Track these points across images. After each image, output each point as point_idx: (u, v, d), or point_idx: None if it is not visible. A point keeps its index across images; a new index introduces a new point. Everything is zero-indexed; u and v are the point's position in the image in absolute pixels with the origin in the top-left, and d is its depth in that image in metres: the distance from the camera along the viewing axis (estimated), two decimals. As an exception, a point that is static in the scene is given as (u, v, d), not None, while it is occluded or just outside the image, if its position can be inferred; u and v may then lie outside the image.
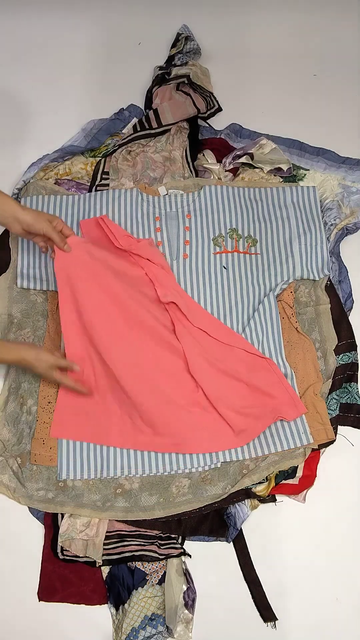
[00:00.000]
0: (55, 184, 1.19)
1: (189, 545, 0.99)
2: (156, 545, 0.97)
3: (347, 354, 1.09)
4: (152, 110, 1.24)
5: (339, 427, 1.05)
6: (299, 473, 1.01)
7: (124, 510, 0.97)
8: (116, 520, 0.98)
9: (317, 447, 1.01)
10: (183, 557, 0.97)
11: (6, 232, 1.16)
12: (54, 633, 0.95)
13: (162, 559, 0.96)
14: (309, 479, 1.01)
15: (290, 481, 1.01)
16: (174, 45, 1.33)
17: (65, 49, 1.37)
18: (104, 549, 0.96)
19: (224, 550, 0.99)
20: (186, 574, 0.96)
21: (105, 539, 0.96)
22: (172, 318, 1.03)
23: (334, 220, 1.17)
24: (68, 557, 0.96)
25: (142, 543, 0.97)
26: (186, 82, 1.25)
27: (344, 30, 1.41)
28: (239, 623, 0.96)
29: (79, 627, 0.95)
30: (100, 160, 1.21)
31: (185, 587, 0.94)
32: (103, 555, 0.96)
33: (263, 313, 1.07)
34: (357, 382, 1.08)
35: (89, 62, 1.36)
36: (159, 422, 0.98)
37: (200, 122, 1.28)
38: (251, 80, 1.35)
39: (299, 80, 1.36)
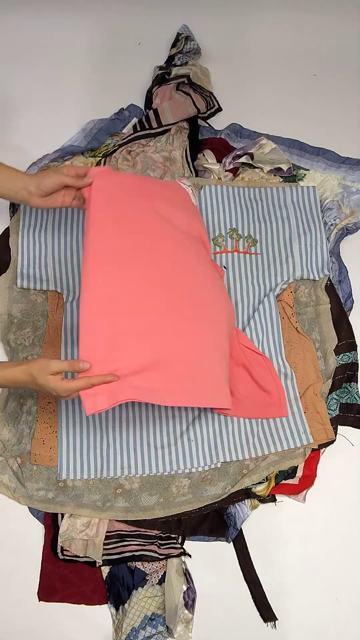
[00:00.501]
0: (55, 184, 1.19)
1: (189, 545, 0.99)
2: (156, 545, 0.97)
3: (347, 354, 1.09)
4: (152, 110, 1.24)
5: (339, 427, 1.05)
6: (299, 473, 1.01)
7: (124, 510, 0.97)
8: (116, 520, 0.98)
9: (317, 447, 1.01)
10: (183, 557, 0.97)
11: (6, 232, 1.16)
12: (54, 633, 0.95)
13: (162, 559, 0.96)
14: (309, 479, 1.01)
15: (290, 481, 1.01)
16: (174, 45, 1.33)
17: (65, 49, 1.37)
18: (104, 549, 0.96)
19: (224, 550, 0.99)
20: (186, 574, 0.96)
21: (105, 539, 0.96)
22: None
23: (334, 220, 1.17)
24: (68, 557, 0.96)
25: (142, 543, 0.97)
26: (186, 82, 1.25)
27: (344, 30, 1.41)
28: (239, 623, 0.96)
29: (79, 627, 0.95)
30: (100, 160, 1.21)
31: (185, 587, 0.94)
32: (103, 555, 0.96)
33: (263, 313, 1.07)
34: (357, 382, 1.08)
35: (89, 62, 1.36)
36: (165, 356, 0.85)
37: (200, 122, 1.28)
38: (251, 80, 1.35)
39: (299, 80, 1.36)
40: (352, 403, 1.06)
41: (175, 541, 0.98)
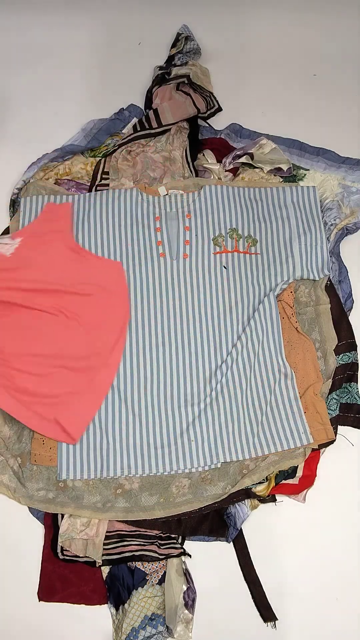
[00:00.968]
0: (55, 184, 1.19)
1: (189, 545, 0.99)
2: (156, 545, 0.97)
3: (347, 354, 1.09)
4: (152, 110, 1.24)
5: (339, 427, 1.05)
6: (299, 473, 1.01)
7: (124, 511, 0.97)
8: (116, 520, 0.98)
9: (317, 447, 1.01)
10: (183, 557, 0.97)
11: (6, 232, 1.16)
12: (54, 633, 0.95)
13: (162, 559, 0.96)
14: (309, 479, 1.01)
15: (290, 481, 1.01)
16: (174, 45, 1.33)
17: (65, 48, 1.37)
18: (104, 549, 0.96)
19: (224, 550, 0.99)
20: (186, 574, 0.96)
21: (105, 539, 0.97)
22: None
23: (334, 220, 1.17)
24: (68, 557, 0.96)
25: (142, 543, 0.97)
26: (186, 82, 1.25)
27: (344, 30, 1.41)
28: (239, 623, 0.96)
29: (79, 627, 0.95)
30: (100, 160, 1.21)
31: (185, 587, 0.94)
32: (103, 555, 0.96)
33: (263, 313, 1.07)
34: (357, 382, 1.08)
35: (89, 62, 1.36)
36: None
37: (200, 122, 1.28)
38: (251, 81, 1.35)
39: (299, 80, 1.36)
40: (352, 403, 1.06)
41: (175, 541, 0.98)
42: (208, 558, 0.98)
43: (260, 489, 1.00)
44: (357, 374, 1.08)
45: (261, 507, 1.01)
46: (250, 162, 1.21)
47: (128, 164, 1.21)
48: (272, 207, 1.16)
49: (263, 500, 1.00)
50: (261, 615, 0.95)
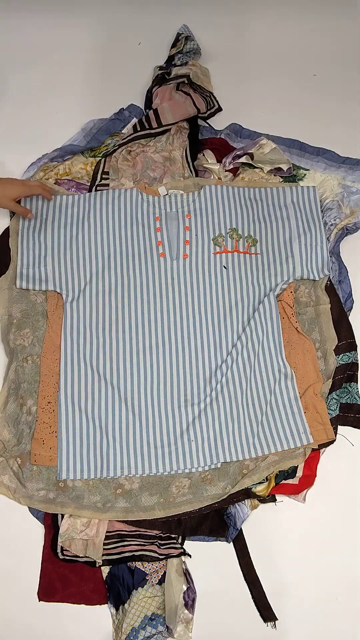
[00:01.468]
0: (55, 184, 1.19)
1: (189, 545, 0.99)
2: (156, 545, 0.97)
3: (347, 354, 1.09)
4: (152, 110, 1.24)
5: (339, 427, 1.05)
6: (299, 473, 1.01)
7: (124, 511, 0.97)
8: (116, 520, 0.98)
9: (317, 447, 1.01)
10: (183, 557, 0.97)
11: (6, 232, 1.16)
12: (54, 633, 0.95)
13: (162, 559, 0.96)
14: (309, 479, 1.01)
15: (290, 481, 1.01)
16: (174, 45, 1.33)
17: (65, 49, 1.37)
18: (104, 548, 0.96)
19: (224, 550, 0.99)
20: (186, 574, 0.96)
21: (105, 539, 0.97)
22: None
23: (334, 220, 1.17)
24: (68, 557, 0.96)
25: (142, 543, 0.97)
26: (186, 82, 1.25)
27: (344, 30, 1.41)
28: (239, 623, 0.96)
29: (79, 627, 0.95)
30: (100, 160, 1.21)
31: (185, 587, 0.94)
32: (103, 555, 0.96)
33: (263, 313, 1.07)
34: (357, 382, 1.08)
35: (89, 62, 1.36)
36: None
37: (200, 122, 1.28)
38: (251, 80, 1.35)
39: (299, 80, 1.36)
40: (352, 403, 1.06)
41: (175, 541, 0.98)
42: (208, 558, 0.98)
43: (260, 489, 1.00)
44: (357, 374, 1.08)
45: (261, 507, 1.01)
46: (250, 162, 1.21)
47: (128, 164, 1.21)
48: (272, 207, 1.16)
49: (263, 500, 1.00)
50: (261, 615, 0.95)
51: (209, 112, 1.29)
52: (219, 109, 1.31)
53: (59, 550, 0.96)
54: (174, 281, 1.10)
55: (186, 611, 0.93)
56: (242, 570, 0.98)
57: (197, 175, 1.21)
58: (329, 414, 1.04)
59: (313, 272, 1.12)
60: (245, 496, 0.99)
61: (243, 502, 1.00)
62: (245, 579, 0.97)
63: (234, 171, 1.22)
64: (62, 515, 0.98)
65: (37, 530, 0.99)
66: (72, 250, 1.11)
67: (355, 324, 1.12)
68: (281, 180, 1.22)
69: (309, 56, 1.38)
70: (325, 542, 1.00)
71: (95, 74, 1.35)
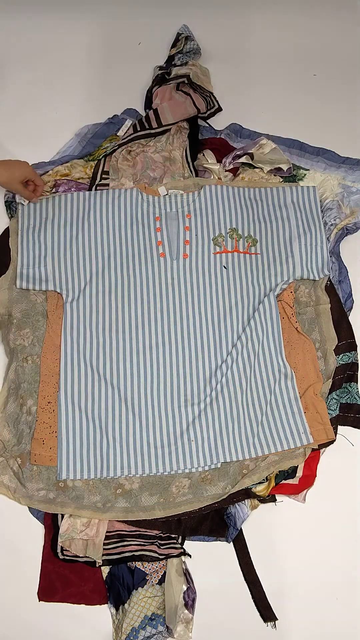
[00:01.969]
0: (54, 184, 1.19)
1: (189, 545, 0.99)
2: (156, 545, 0.97)
3: (347, 354, 1.09)
4: (152, 110, 1.24)
5: (339, 427, 1.05)
6: (299, 473, 1.01)
7: (124, 511, 0.98)
8: (116, 520, 0.98)
9: (317, 447, 1.01)
10: (183, 557, 0.97)
11: (6, 232, 1.16)
12: (54, 633, 0.95)
13: (162, 559, 0.96)
14: (309, 479, 1.01)
15: (290, 481, 1.01)
16: (174, 45, 1.33)
17: (65, 49, 1.37)
18: (104, 548, 0.96)
19: (224, 550, 0.99)
20: (186, 574, 0.96)
21: (105, 539, 0.97)
22: None
23: (334, 220, 1.17)
24: (68, 557, 0.96)
25: (142, 543, 0.97)
26: (186, 82, 1.25)
27: (344, 30, 1.41)
28: (239, 623, 0.96)
29: (79, 627, 0.95)
30: (100, 159, 1.21)
31: (185, 587, 0.94)
32: (103, 555, 0.96)
33: (263, 313, 1.07)
34: (357, 382, 1.08)
35: (88, 62, 1.36)
36: None
37: (200, 122, 1.28)
38: (251, 80, 1.35)
39: (299, 81, 1.36)
40: (352, 403, 1.06)
41: (175, 541, 0.98)
42: (208, 558, 0.98)
43: (260, 489, 1.00)
44: (357, 374, 1.08)
45: (261, 507, 1.01)
46: (250, 162, 1.21)
47: (128, 163, 1.21)
48: (272, 207, 1.16)
49: (263, 500, 1.00)
50: (261, 615, 0.95)
51: (209, 112, 1.29)
52: (219, 109, 1.31)
53: (59, 550, 0.97)
54: (174, 281, 1.10)
55: (186, 611, 0.93)
56: (242, 570, 0.98)
57: (197, 175, 1.21)
58: (329, 414, 1.04)
59: (313, 272, 1.12)
60: (245, 496, 0.99)
61: (243, 502, 1.00)
62: (245, 579, 0.97)
63: (234, 171, 1.22)
64: (62, 515, 0.98)
65: (37, 530, 1.00)
66: (72, 250, 1.11)
67: (355, 324, 1.12)
68: (281, 180, 1.22)
69: (309, 56, 1.38)
70: (325, 542, 1.00)
71: (95, 73, 1.35)
